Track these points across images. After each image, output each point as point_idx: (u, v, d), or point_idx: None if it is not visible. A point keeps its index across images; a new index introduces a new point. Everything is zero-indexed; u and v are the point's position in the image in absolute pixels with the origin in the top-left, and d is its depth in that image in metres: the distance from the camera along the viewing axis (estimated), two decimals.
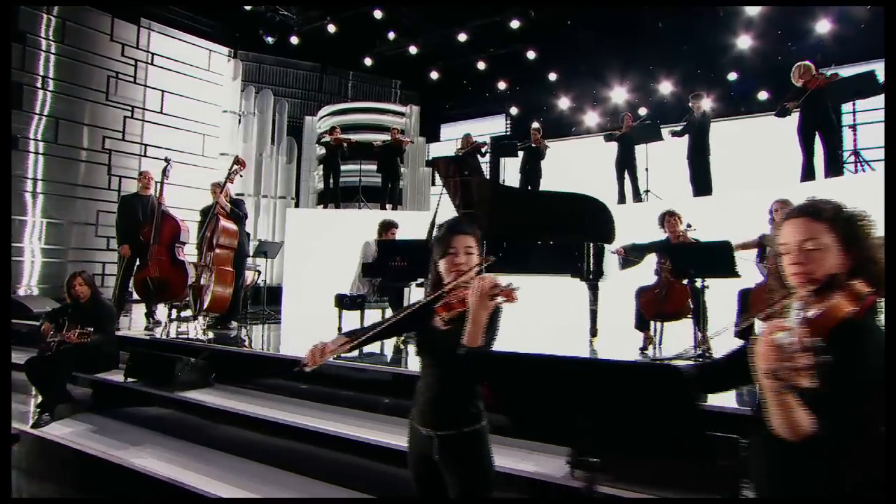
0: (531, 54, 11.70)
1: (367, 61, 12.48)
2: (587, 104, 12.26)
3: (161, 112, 11.00)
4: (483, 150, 8.82)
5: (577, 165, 10.21)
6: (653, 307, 4.50)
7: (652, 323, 4.69)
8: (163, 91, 10.98)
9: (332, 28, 11.41)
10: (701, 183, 7.22)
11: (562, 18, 11.36)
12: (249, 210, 9.61)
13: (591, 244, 4.98)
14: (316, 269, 8.29)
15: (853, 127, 5.69)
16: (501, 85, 12.81)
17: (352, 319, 5.75)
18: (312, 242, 8.43)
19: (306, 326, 6.87)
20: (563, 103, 12.39)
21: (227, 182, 5.93)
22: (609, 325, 5.16)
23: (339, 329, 5.69)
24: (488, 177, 5.89)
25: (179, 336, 5.19)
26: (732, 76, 10.61)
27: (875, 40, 9.23)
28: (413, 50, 11.92)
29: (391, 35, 11.71)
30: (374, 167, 9.44)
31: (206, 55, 11.74)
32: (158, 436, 3.82)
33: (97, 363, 4.65)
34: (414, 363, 3.96)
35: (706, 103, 7.17)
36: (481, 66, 12.19)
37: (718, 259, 3.88)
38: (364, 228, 8.37)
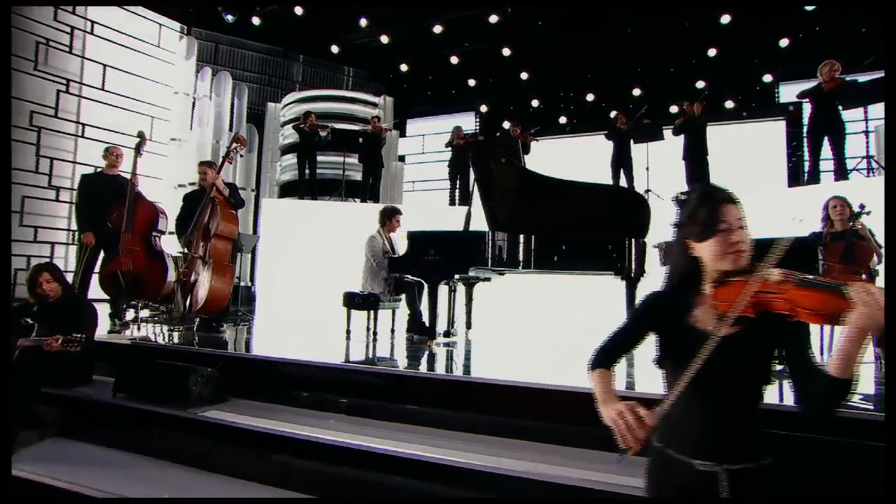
0: (506, 51, 11.33)
1: (334, 49, 11.63)
2: (558, 105, 12.07)
3: (102, 89, 9.60)
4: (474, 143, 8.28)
5: (556, 165, 9.90)
6: None
7: None
8: (104, 65, 9.58)
9: (298, 10, 10.50)
10: (697, 183, 7.09)
11: (535, 18, 11.11)
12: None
13: (634, 240, 4.60)
14: (295, 264, 7.45)
15: (866, 133, 5.67)
16: (472, 82, 12.37)
17: (361, 320, 5.08)
18: (292, 236, 7.58)
19: (303, 328, 6.07)
20: (535, 103, 12.14)
21: (224, 162, 5.06)
22: None
23: (348, 332, 4.99)
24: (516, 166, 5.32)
25: (176, 342, 4.30)
26: (700, 84, 10.76)
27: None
28: (384, 40, 11.23)
29: (363, 22, 10.94)
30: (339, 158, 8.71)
31: (156, 30, 10.42)
32: (170, 467, 3.00)
33: (71, 376, 3.71)
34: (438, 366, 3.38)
35: (699, 105, 7.00)
36: (454, 60, 11.68)
37: (796, 256, 3.58)
38: (348, 222, 7.68)
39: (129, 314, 5.39)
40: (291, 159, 10.69)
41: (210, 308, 4.57)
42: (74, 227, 8.11)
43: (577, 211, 4.64)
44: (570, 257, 4.40)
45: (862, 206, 4.20)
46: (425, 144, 13.03)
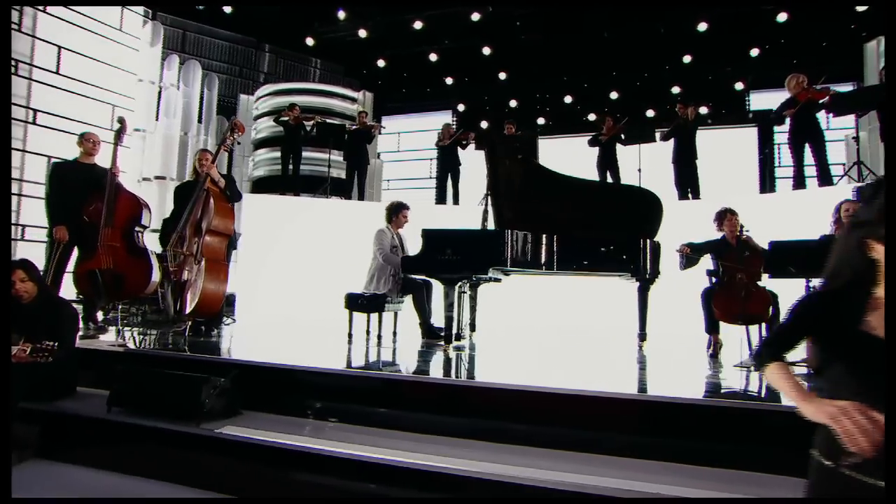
0: (486, 50, 11.16)
1: (309, 41, 11.14)
2: (535, 106, 11.99)
3: (57, 73, 8.81)
4: (464, 141, 8.05)
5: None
6: (735, 309, 4.09)
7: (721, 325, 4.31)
8: (59, 47, 8.80)
9: None
10: (687, 186, 7.11)
11: (514, 18, 11.00)
12: (167, 196, 8.08)
13: (649, 241, 4.49)
14: (279, 264, 7.02)
15: (856, 139, 5.79)
16: (449, 80, 12.12)
17: (359, 322, 4.77)
18: (274, 234, 7.14)
19: (293, 331, 5.68)
20: (513, 103, 12.02)
21: (220, 150, 4.64)
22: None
23: (350, 336, 4.68)
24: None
25: (168, 347, 3.86)
26: (675, 89, 10.91)
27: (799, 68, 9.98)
28: (362, 34, 10.84)
29: (341, 14, 10.52)
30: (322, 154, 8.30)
31: (118, 12, 9.68)
32: (183, 490, 2.63)
33: (52, 388, 3.25)
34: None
35: (693, 110, 7.02)
36: (433, 57, 11.42)
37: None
38: (334, 220, 7.30)
39: (100, 316, 4.88)
40: (265, 153, 10.18)
41: (203, 310, 4.15)
42: (27, 221, 7.40)
43: (591, 209, 4.50)
44: (588, 258, 4.25)
45: None
46: (401, 142, 12.70)
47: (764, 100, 10.17)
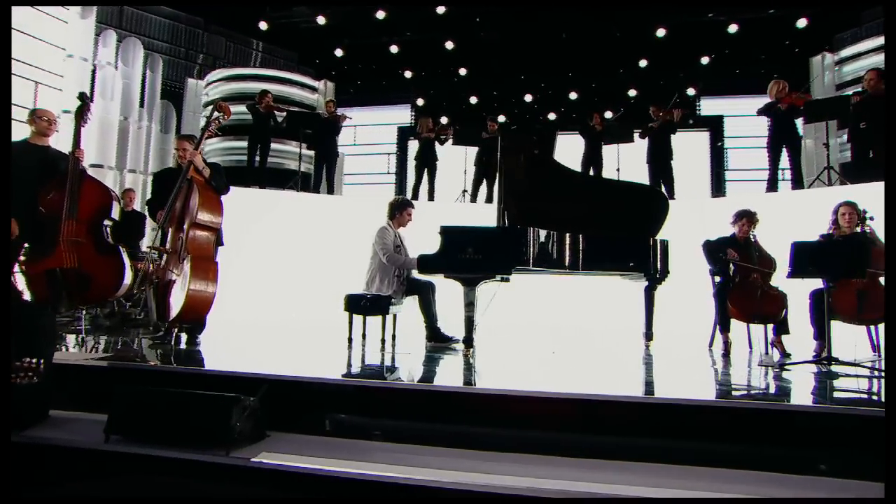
0: (449, 45, 10.88)
1: (263, 25, 10.38)
2: (493, 104, 11.85)
3: None
4: (443, 136, 7.74)
5: None
6: (751, 308, 4.09)
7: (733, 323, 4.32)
8: None
9: None
10: (663, 186, 7.21)
11: (473, 14, 10.81)
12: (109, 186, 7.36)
13: (659, 240, 4.42)
14: (248, 263, 6.42)
15: (826, 144, 6.05)
16: (408, 73, 11.73)
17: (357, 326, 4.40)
18: (241, 228, 6.50)
19: (277, 336, 5.18)
20: (472, 100, 11.82)
21: (204, 136, 4.08)
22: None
23: (350, 339, 4.30)
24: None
25: (135, 356, 3.30)
26: (632, 92, 11.14)
27: (746, 79, 10.50)
28: (321, 21, 10.25)
29: None
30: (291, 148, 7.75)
31: None
32: None
33: (21, 414, 2.65)
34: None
35: (678, 112, 7.13)
36: (393, 49, 10.99)
37: (854, 258, 3.58)
38: (306, 214, 6.78)
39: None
40: (217, 143, 9.38)
41: (189, 315, 3.61)
42: None
43: (604, 207, 4.37)
44: (607, 258, 4.12)
45: (865, 212, 4.36)
46: (357, 136, 12.17)
47: (714, 106, 10.61)
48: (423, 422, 2.60)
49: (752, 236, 4.49)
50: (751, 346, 4.58)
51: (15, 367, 2.30)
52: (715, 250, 4.41)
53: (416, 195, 7.75)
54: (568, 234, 3.94)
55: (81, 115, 4.10)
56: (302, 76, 9.88)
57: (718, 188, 9.64)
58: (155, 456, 2.41)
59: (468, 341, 3.80)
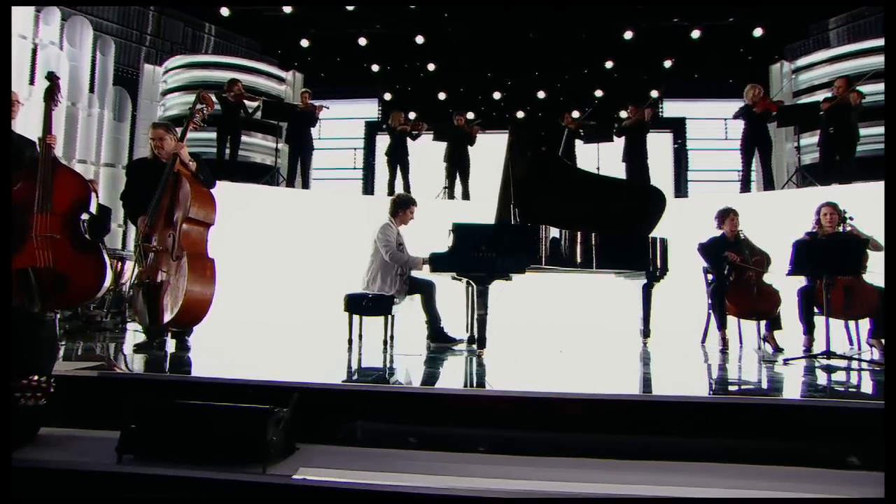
0: (420, 39, 10.70)
1: (224, 11, 9.84)
2: (466, 100, 11.75)
3: None
4: (415, 132, 7.56)
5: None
6: (747, 306, 4.19)
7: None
8: None
9: None
10: None
11: (441, 11, 10.70)
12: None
13: (659, 238, 4.47)
14: (222, 261, 6.03)
15: (798, 147, 6.32)
16: (375, 67, 11.45)
17: (369, 327, 4.22)
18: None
19: (262, 339, 4.89)
20: (441, 96, 11.67)
21: (188, 128, 3.75)
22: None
23: (350, 341, 4.11)
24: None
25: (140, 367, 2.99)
26: (599, 93, 11.33)
27: (708, 83, 10.91)
28: (287, 9, 9.83)
29: None
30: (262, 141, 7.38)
31: None
32: None
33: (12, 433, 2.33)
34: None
35: (649, 111, 7.27)
36: (362, 41, 10.68)
37: (849, 256, 3.72)
38: (284, 210, 6.45)
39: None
40: None
41: (186, 318, 3.31)
42: None
43: (607, 205, 4.37)
44: (615, 256, 4.11)
45: (845, 212, 4.57)
46: (322, 130, 11.76)
47: (677, 108, 10.95)
48: (466, 427, 2.47)
49: (741, 234, 4.61)
50: (741, 342, 4.71)
51: (21, 387, 2.02)
52: (712, 251, 4.49)
53: (391, 191, 7.55)
54: (579, 233, 3.90)
55: (52, 96, 3.69)
56: (269, 66, 9.42)
57: (679, 189, 9.95)
58: (180, 476, 2.16)
59: (482, 342, 3.69)
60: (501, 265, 3.63)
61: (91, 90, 8.64)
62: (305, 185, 7.27)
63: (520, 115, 11.53)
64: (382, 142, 11.54)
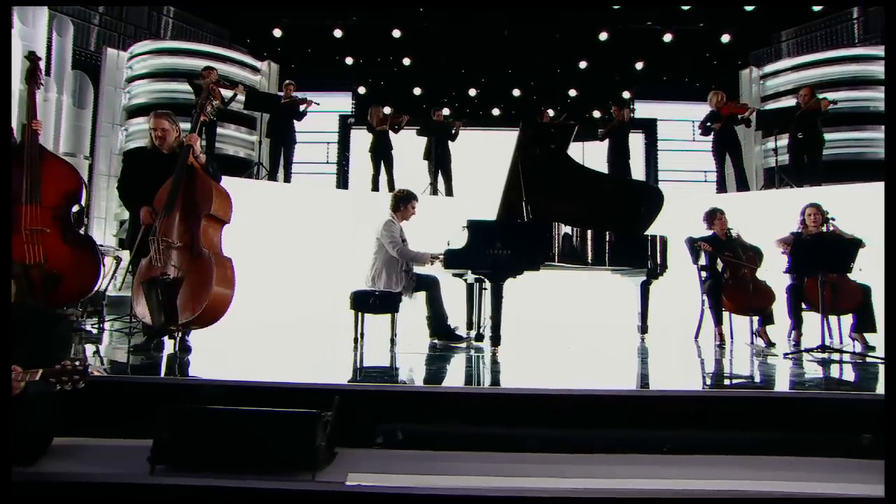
0: (396, 33, 10.56)
1: None
2: (440, 97, 11.68)
3: None
4: (396, 125, 7.46)
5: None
6: (744, 302, 4.34)
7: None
8: None
9: None
10: None
11: (416, 5, 10.62)
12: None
13: (658, 236, 4.57)
14: None
15: (775, 150, 6.59)
16: (349, 59, 11.21)
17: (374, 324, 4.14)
18: None
19: (269, 336, 4.71)
20: (416, 91, 11.56)
21: (199, 119, 3.55)
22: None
23: (356, 339, 4.03)
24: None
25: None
26: (573, 93, 11.50)
27: (678, 87, 11.24)
28: None
29: None
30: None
31: None
32: None
33: (26, 443, 2.14)
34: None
35: (627, 112, 7.44)
36: (338, 33, 10.44)
37: (843, 255, 3.90)
38: (266, 204, 6.21)
39: None
40: (144, 123, 8.37)
41: (207, 318, 3.12)
42: None
43: (612, 203, 4.43)
44: (624, 254, 4.19)
45: (827, 212, 4.80)
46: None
47: (648, 110, 11.23)
48: (515, 426, 2.44)
49: (732, 232, 4.76)
50: (732, 337, 4.88)
51: (55, 371, 1.86)
52: (693, 244, 4.66)
53: (375, 187, 7.43)
54: (589, 230, 3.93)
55: (34, 77, 3.44)
56: (243, 55, 9.07)
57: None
58: (221, 487, 2.04)
59: (496, 340, 3.66)
60: (517, 262, 3.62)
61: (48, 73, 8.07)
62: (287, 179, 7.05)
63: (495, 112, 11.56)
64: (357, 136, 11.37)
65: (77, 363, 1.90)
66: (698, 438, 2.45)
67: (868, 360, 3.92)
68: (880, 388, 2.98)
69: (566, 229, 3.83)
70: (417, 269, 4.26)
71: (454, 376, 3.17)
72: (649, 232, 4.52)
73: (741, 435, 2.51)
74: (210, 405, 2.35)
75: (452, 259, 3.66)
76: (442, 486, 2.10)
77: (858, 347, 4.43)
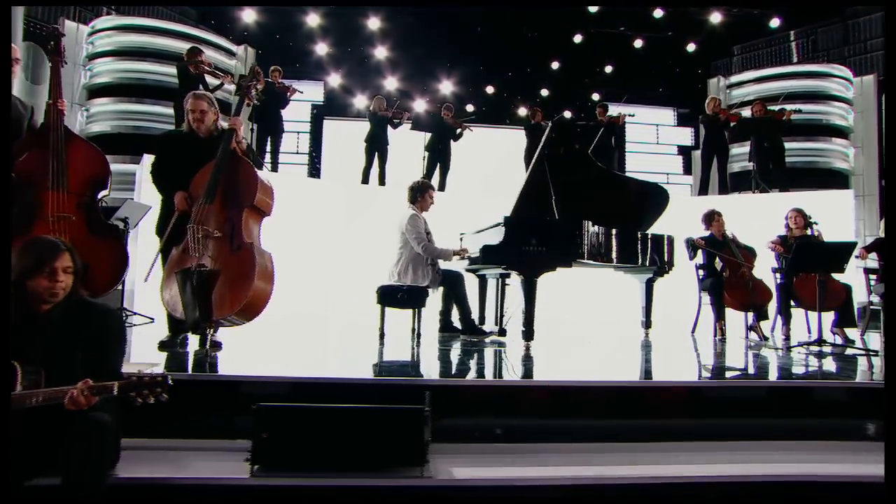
0: (374, 23, 10.41)
1: None
2: (415, 90, 11.62)
3: None
4: (396, 120, 7.39)
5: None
6: (745, 299, 4.65)
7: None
8: None
9: None
10: None
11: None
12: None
13: (667, 235, 4.79)
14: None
15: (752, 156, 7.03)
16: (323, 49, 10.95)
17: (396, 319, 4.13)
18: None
19: (295, 330, 4.56)
20: (390, 83, 11.44)
21: (243, 104, 3.39)
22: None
23: (382, 334, 4.02)
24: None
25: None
26: (545, 92, 11.75)
27: (645, 90, 11.71)
28: None
29: None
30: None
31: None
32: None
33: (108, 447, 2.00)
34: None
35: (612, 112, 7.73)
36: (313, 22, 10.18)
37: (840, 256, 4.25)
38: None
39: None
40: (108, 104, 7.87)
41: (247, 313, 2.99)
42: None
43: (628, 203, 4.62)
44: (643, 252, 4.38)
45: (809, 216, 5.21)
46: None
47: (616, 110, 11.64)
48: (599, 418, 2.52)
49: (729, 233, 5.08)
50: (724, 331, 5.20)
51: (133, 384, 1.75)
52: (692, 243, 4.95)
53: (366, 179, 7.34)
54: (614, 229, 4.08)
55: (57, 51, 3.19)
56: (216, 36, 8.66)
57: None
58: (325, 486, 2.00)
59: (530, 334, 3.74)
60: (551, 259, 3.71)
61: None
62: (274, 169, 6.83)
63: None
64: (329, 126, 11.13)
65: (159, 375, 1.77)
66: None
67: (859, 353, 4.29)
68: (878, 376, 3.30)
69: (594, 228, 3.96)
70: (442, 265, 4.29)
71: (510, 370, 3.19)
72: (658, 231, 4.72)
73: (776, 422, 2.72)
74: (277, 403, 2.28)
75: (488, 254, 3.70)
76: (545, 477, 2.16)
77: (839, 341, 4.84)
